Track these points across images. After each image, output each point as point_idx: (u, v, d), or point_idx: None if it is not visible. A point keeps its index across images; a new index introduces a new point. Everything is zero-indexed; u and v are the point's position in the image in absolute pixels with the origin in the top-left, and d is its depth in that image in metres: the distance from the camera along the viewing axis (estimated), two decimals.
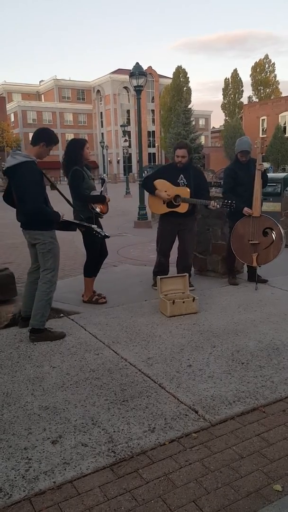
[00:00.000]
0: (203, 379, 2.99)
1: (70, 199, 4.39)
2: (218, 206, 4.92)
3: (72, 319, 4.26)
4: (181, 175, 5.00)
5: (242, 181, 5.27)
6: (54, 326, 4.01)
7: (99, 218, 4.57)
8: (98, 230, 4.05)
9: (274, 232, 5.18)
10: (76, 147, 4.45)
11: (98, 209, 4.46)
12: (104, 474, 2.09)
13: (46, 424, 2.51)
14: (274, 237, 5.17)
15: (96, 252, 4.64)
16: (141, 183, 5.37)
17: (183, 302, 4.32)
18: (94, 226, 4.05)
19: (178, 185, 4.99)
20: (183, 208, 4.97)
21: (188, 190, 4.95)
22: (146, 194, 5.62)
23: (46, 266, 3.74)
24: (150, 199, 5.19)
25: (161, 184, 5.01)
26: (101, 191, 4.55)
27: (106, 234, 4.21)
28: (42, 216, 3.64)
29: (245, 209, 5.14)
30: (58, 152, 61.94)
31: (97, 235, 4.05)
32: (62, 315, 4.43)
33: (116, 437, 2.37)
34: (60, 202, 4.33)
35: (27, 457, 2.22)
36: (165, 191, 4.96)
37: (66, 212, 3.96)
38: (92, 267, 4.70)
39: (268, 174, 5.81)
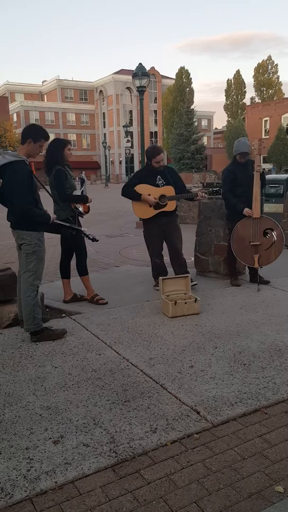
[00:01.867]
0: (205, 380, 2.99)
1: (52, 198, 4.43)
2: (206, 195, 4.95)
3: (74, 319, 4.26)
4: (158, 176, 5.06)
5: (241, 182, 5.28)
6: (56, 326, 4.01)
7: (80, 217, 4.61)
8: (88, 233, 4.06)
9: (274, 233, 5.18)
10: (58, 147, 4.45)
11: (81, 208, 4.48)
12: (106, 475, 2.09)
13: (48, 424, 2.51)
14: (275, 238, 5.17)
15: (82, 250, 4.66)
16: (121, 193, 5.26)
17: (185, 303, 4.32)
18: (84, 229, 4.06)
19: (158, 186, 5.02)
20: (171, 206, 5.02)
21: (172, 188, 5.01)
22: None
23: (28, 268, 3.68)
24: (135, 206, 5.14)
25: (143, 189, 5.03)
26: (82, 190, 4.56)
27: (95, 237, 4.22)
28: (29, 217, 3.60)
29: (246, 209, 5.14)
30: None
31: (88, 237, 4.05)
32: (64, 315, 4.44)
33: (117, 437, 2.37)
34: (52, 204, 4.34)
35: (29, 457, 2.22)
36: (149, 194, 4.99)
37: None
38: (84, 264, 4.71)
39: (270, 175, 5.83)
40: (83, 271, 4.71)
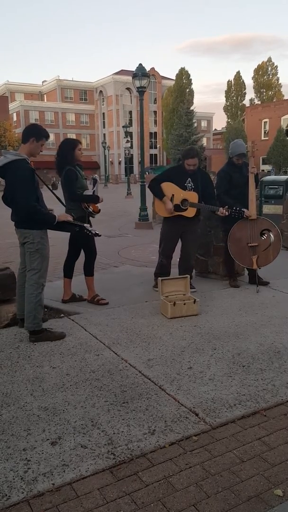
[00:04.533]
0: (204, 381, 2.98)
1: (63, 199, 4.40)
2: (227, 213, 4.87)
3: (72, 319, 4.25)
4: (189, 179, 4.97)
5: (237, 184, 5.27)
6: (54, 326, 4.00)
7: (91, 217, 4.60)
8: (90, 228, 4.03)
9: (271, 234, 5.18)
10: (68, 147, 4.45)
11: (91, 209, 4.47)
12: (104, 477, 2.07)
13: (46, 425, 2.49)
14: (272, 239, 5.17)
15: (93, 250, 4.65)
16: (148, 186, 5.25)
17: (184, 304, 4.30)
18: (86, 225, 4.04)
19: (185, 189, 4.96)
20: (190, 212, 4.94)
21: (196, 194, 4.92)
22: (148, 195, 5.61)
23: (32, 266, 3.68)
24: (156, 201, 5.15)
25: (168, 187, 4.97)
26: (93, 190, 4.56)
27: (97, 232, 4.19)
28: (34, 215, 3.58)
29: (244, 210, 5.12)
30: None
31: (88, 233, 4.02)
32: (62, 315, 4.42)
33: (115, 439, 2.35)
34: (58, 202, 4.32)
35: (26, 458, 2.20)
36: (173, 194, 4.94)
37: (59, 212, 3.93)
38: (92, 265, 4.70)
39: (270, 176, 5.83)
40: (89, 271, 4.71)
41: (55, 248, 4.80)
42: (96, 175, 5.52)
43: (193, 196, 4.93)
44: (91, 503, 1.90)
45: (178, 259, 5.30)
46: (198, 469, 2.12)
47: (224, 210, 4.87)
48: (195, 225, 5.18)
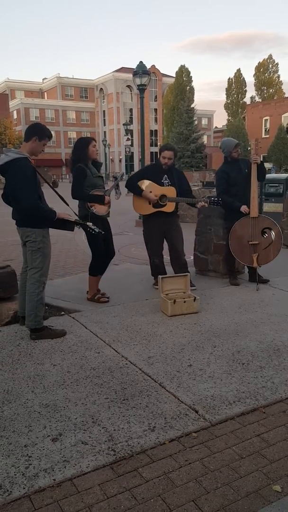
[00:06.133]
0: (204, 379, 3.00)
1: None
2: (206, 204, 4.92)
3: (73, 317, 4.27)
4: (165, 175, 5.02)
5: (235, 181, 5.29)
6: (55, 324, 4.02)
7: (99, 218, 4.53)
8: (93, 227, 4.01)
9: (273, 232, 5.19)
10: (82, 145, 4.46)
11: (93, 209, 4.41)
12: (104, 473, 2.09)
13: (47, 421, 2.51)
14: (273, 237, 5.19)
15: (99, 251, 4.64)
16: (125, 185, 5.26)
17: (184, 301, 4.32)
18: (89, 223, 4.02)
19: (163, 185, 5.00)
20: (169, 207, 4.99)
21: (174, 189, 4.97)
22: None
23: (34, 265, 3.69)
24: (134, 200, 5.14)
25: (146, 185, 5.00)
26: (106, 190, 4.54)
27: (101, 230, 4.15)
28: (37, 213, 3.57)
29: (243, 207, 5.14)
30: (60, 150, 62.09)
31: (92, 232, 4.01)
32: (63, 313, 4.44)
33: (116, 435, 2.37)
34: (59, 201, 4.32)
35: (27, 455, 2.22)
36: (151, 191, 4.96)
37: (64, 210, 3.93)
38: (96, 266, 4.70)
39: (270, 174, 5.86)
40: (91, 271, 4.72)
41: (56, 246, 4.82)
42: (118, 172, 5.52)
43: (171, 191, 4.97)
44: (91, 499, 1.92)
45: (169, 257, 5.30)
46: (198, 465, 2.14)
47: (203, 202, 4.92)
48: (175, 221, 5.20)
